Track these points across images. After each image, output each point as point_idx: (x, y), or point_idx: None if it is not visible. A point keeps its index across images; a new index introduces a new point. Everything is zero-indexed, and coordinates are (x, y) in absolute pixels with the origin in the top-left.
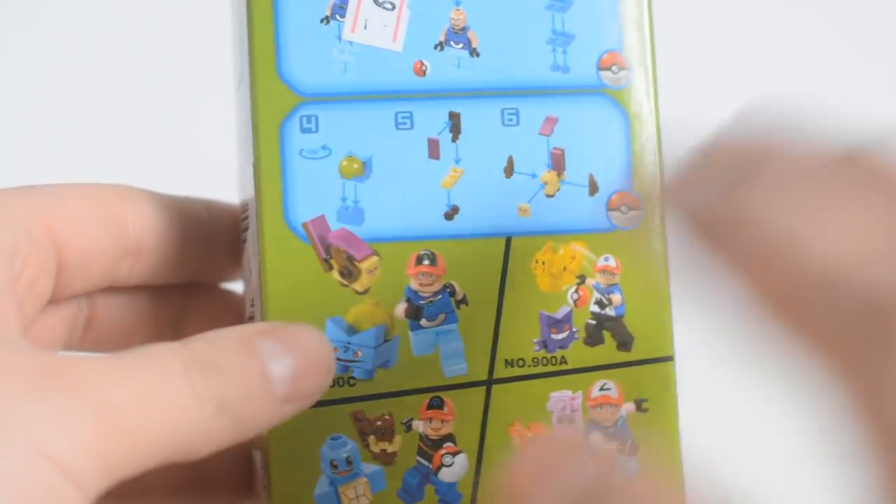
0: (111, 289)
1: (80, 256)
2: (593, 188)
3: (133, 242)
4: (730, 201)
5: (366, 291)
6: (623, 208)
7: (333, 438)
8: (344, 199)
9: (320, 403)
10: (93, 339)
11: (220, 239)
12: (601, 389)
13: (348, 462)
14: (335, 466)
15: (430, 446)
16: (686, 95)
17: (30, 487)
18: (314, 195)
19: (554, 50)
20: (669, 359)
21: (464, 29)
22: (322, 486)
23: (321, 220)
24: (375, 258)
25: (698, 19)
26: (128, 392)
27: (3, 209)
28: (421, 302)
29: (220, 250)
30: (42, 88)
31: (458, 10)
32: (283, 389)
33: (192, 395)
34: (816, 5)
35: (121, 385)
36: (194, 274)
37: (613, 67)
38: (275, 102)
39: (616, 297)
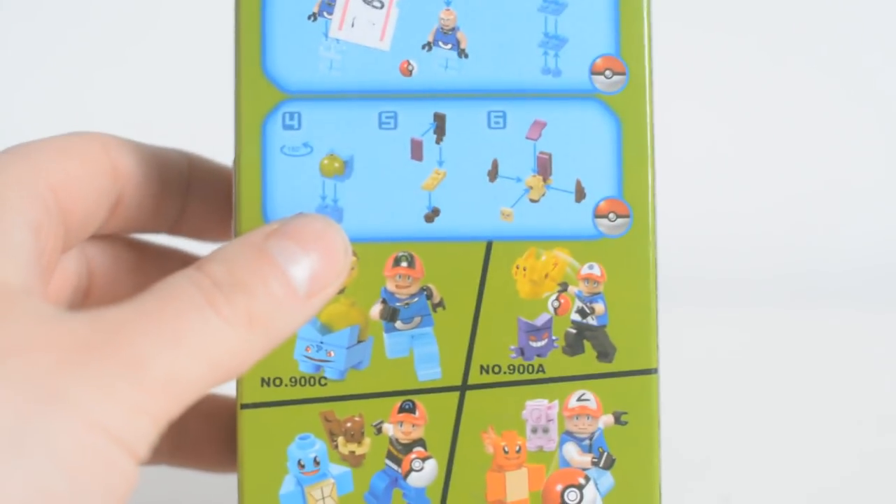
0: (112, 260)
1: (81, 219)
2: (580, 194)
3: (116, 192)
4: None
5: (342, 291)
6: (611, 215)
7: (302, 438)
8: (323, 198)
9: (290, 402)
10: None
11: (198, 191)
12: (579, 399)
13: (316, 462)
14: (302, 466)
15: (399, 450)
16: (679, 101)
17: (90, 464)
18: (293, 193)
19: (545, 53)
20: (653, 371)
21: (453, 29)
22: (288, 485)
23: None
24: (353, 258)
25: (694, 30)
26: (159, 339)
27: (22, 182)
28: (397, 304)
29: (199, 203)
30: (42, 80)
31: (448, 10)
32: (306, 286)
33: (219, 320)
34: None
35: (151, 334)
36: (172, 226)
37: (607, 72)
38: (258, 98)
39: (599, 307)
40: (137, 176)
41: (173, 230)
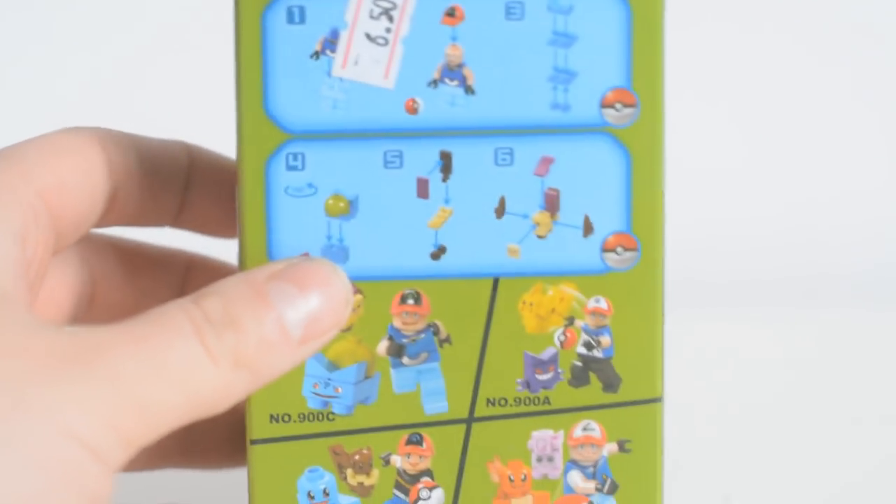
0: (114, 265)
1: (73, 221)
2: (588, 229)
3: (110, 189)
4: None
5: (348, 329)
6: (619, 249)
7: (311, 470)
8: (329, 238)
9: (299, 437)
10: (96, 315)
11: (200, 183)
12: (584, 429)
13: (325, 493)
14: (312, 497)
15: (407, 480)
16: (688, 133)
17: (60, 468)
18: (298, 233)
19: (555, 88)
20: (657, 400)
21: (460, 66)
22: None
23: None
24: (358, 296)
25: (697, 31)
26: (140, 363)
27: (8, 190)
28: (404, 340)
29: (201, 195)
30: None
31: (454, 45)
32: (300, 332)
33: (206, 355)
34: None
35: (132, 356)
36: (173, 219)
37: (617, 105)
38: (260, 139)
39: (605, 339)
40: (133, 170)
41: (176, 223)
